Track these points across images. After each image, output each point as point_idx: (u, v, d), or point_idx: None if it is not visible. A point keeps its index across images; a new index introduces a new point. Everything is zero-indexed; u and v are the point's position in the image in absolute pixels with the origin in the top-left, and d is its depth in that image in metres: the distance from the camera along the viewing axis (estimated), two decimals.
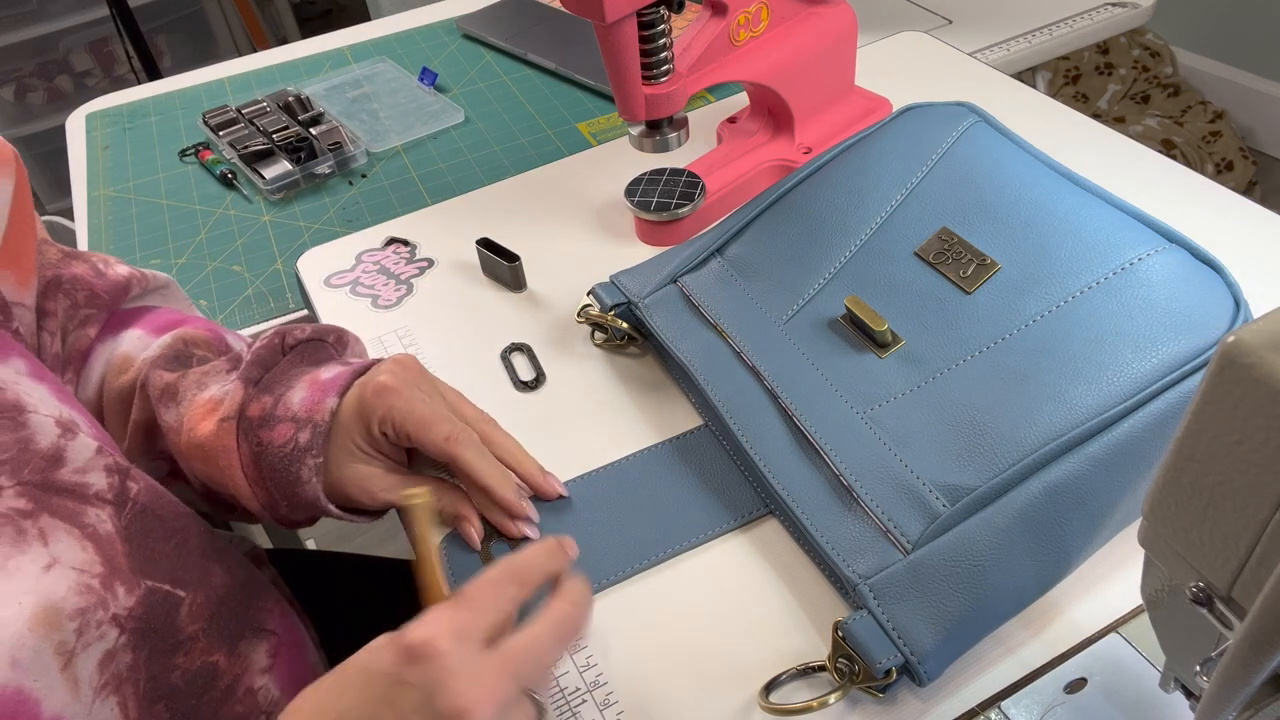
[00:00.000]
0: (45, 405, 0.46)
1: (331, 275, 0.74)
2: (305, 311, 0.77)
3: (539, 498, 0.54)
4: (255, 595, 0.54)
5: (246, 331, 0.77)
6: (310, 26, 2.92)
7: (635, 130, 0.69)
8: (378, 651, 0.38)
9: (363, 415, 0.51)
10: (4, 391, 0.44)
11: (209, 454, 0.53)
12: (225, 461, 0.52)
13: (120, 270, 0.61)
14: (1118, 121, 2.03)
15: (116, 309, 0.61)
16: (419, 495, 0.44)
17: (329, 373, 0.53)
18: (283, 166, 0.93)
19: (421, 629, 0.37)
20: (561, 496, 0.54)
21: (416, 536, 0.44)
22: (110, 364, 0.58)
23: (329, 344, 0.58)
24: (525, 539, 0.52)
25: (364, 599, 0.75)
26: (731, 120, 0.81)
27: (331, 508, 0.52)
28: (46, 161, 2.32)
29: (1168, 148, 1.96)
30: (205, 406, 0.53)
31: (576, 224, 0.76)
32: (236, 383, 0.53)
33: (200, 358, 0.58)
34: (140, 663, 0.45)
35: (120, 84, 2.16)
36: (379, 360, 0.54)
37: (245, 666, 0.51)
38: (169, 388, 0.55)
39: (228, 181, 0.95)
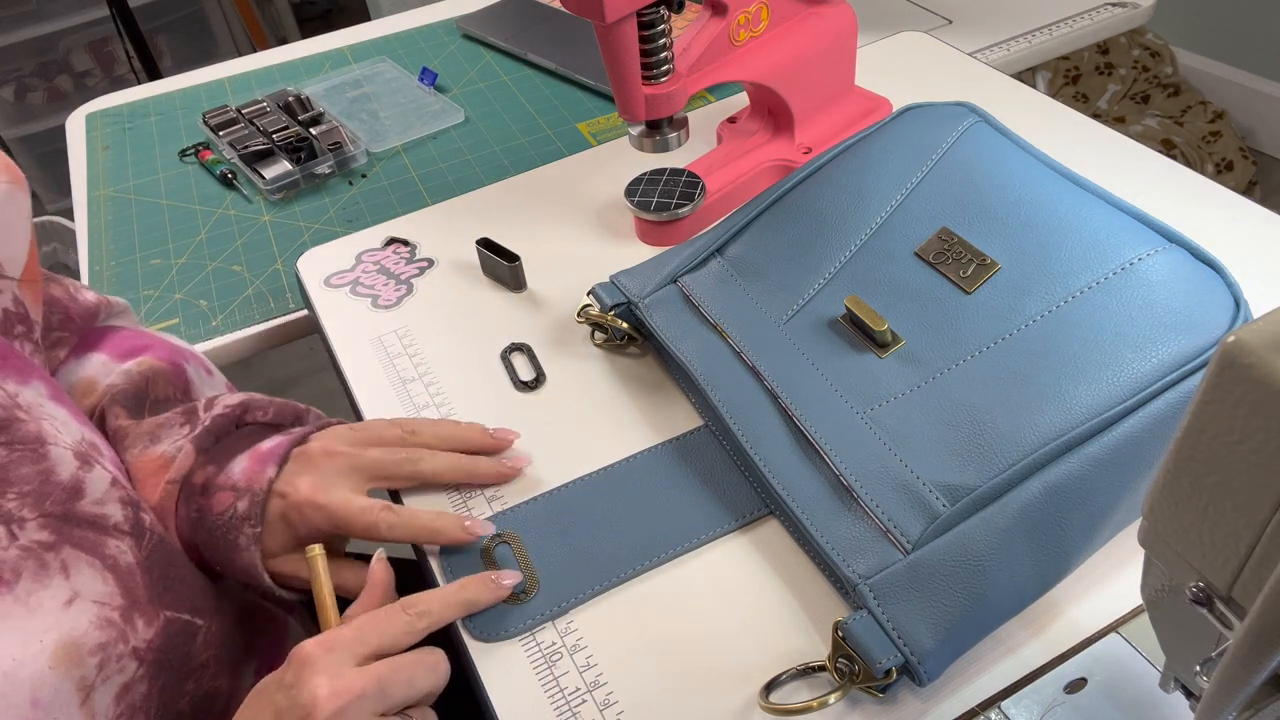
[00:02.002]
0: (66, 431, 0.47)
1: (331, 275, 0.74)
2: (305, 311, 0.77)
3: (499, 451, 0.56)
4: (255, 617, 0.55)
5: (246, 332, 0.77)
6: (310, 26, 2.92)
7: (635, 130, 0.69)
8: (277, 669, 0.43)
9: (290, 527, 0.52)
10: (27, 423, 0.45)
11: (153, 514, 0.53)
12: (165, 525, 0.52)
13: (89, 296, 0.62)
14: (1118, 121, 2.03)
15: (85, 331, 0.62)
16: (313, 550, 0.50)
17: (270, 443, 0.54)
18: (283, 166, 0.93)
19: (303, 642, 0.43)
20: (513, 442, 0.57)
21: (315, 584, 0.49)
22: (75, 388, 0.58)
23: (286, 428, 0.58)
24: (520, 551, 0.52)
25: None
26: (731, 120, 0.81)
27: (267, 579, 0.52)
28: (46, 161, 2.32)
29: (1168, 148, 1.96)
30: (156, 463, 0.53)
31: (576, 224, 0.76)
32: (189, 446, 0.53)
33: (155, 401, 0.58)
34: (154, 692, 0.45)
35: (120, 84, 2.15)
36: (312, 431, 0.55)
37: (238, 687, 0.52)
38: (120, 432, 0.55)
39: (228, 181, 0.95)
